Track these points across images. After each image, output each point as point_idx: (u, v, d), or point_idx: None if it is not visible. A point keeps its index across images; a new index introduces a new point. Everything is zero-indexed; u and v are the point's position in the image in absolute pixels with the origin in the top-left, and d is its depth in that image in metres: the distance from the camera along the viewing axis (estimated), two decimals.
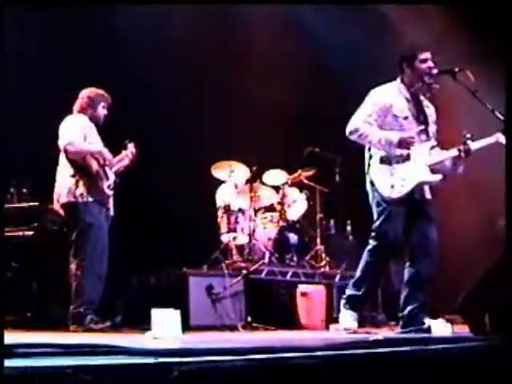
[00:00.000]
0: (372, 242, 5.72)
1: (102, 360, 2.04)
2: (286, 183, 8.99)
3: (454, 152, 5.64)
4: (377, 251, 5.69)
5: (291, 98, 9.67)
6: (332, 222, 9.55)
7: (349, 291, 5.85)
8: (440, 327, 5.35)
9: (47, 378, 1.80)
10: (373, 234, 5.73)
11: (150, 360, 2.04)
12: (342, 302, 5.86)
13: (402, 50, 5.97)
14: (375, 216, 5.74)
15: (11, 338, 2.22)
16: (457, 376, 3.22)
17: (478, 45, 9.15)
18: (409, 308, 5.67)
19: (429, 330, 5.34)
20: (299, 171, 9.03)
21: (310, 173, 9.08)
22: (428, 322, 5.50)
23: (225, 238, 8.48)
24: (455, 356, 3.40)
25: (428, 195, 5.78)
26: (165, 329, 4.15)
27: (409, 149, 5.57)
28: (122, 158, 6.71)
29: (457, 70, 5.49)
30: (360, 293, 5.74)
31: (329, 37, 9.69)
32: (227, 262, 8.12)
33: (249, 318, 7.38)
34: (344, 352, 2.99)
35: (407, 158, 5.59)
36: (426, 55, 5.71)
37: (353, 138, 5.71)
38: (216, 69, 9.34)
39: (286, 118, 9.64)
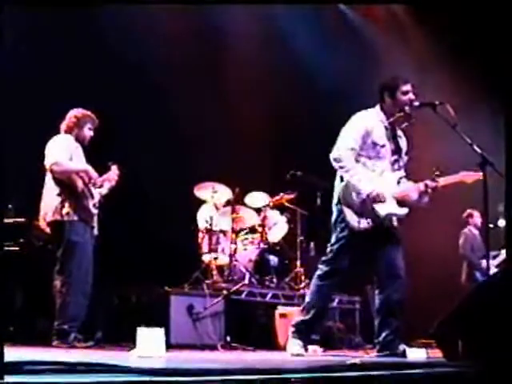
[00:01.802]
0: (323, 267, 5.83)
1: (98, 378, 2.15)
2: (268, 205, 9.15)
3: (421, 186, 5.75)
4: (326, 277, 5.80)
5: (275, 121, 9.85)
6: (312, 244, 9.69)
7: (299, 317, 5.93)
8: (415, 352, 5.49)
9: None
10: (324, 258, 5.85)
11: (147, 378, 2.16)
12: (291, 329, 5.93)
13: (384, 79, 6.07)
14: (333, 239, 5.83)
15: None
16: None
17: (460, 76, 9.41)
18: (383, 334, 5.77)
19: (404, 354, 5.47)
20: (281, 194, 9.20)
21: (292, 196, 9.25)
22: (403, 346, 5.63)
23: (206, 258, 8.60)
24: (429, 381, 3.53)
25: (395, 223, 5.87)
26: (149, 347, 4.26)
27: (375, 202, 5.64)
28: (108, 177, 6.82)
29: (437, 103, 5.61)
30: (308, 318, 5.82)
31: (315, 61, 9.85)
32: (208, 281, 8.23)
33: (228, 338, 7.48)
34: (324, 374, 3.11)
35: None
36: (408, 87, 5.83)
37: (335, 165, 5.76)
38: (201, 89, 9.46)
39: (269, 141, 9.81)
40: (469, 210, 10.03)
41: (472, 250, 9.88)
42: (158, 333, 4.33)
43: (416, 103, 5.78)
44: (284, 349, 7.93)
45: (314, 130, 9.99)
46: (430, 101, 5.70)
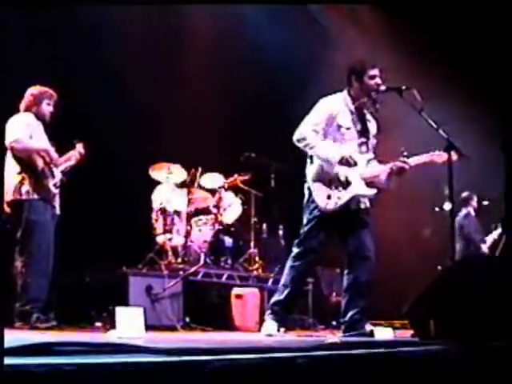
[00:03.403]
0: (295, 249, 5.92)
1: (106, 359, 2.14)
2: (223, 187, 9.14)
3: (389, 167, 5.84)
4: (299, 257, 5.88)
5: (230, 102, 9.83)
6: (265, 225, 9.74)
7: (274, 298, 6.03)
8: (382, 332, 5.59)
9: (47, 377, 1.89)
10: (297, 240, 5.94)
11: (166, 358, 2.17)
12: (267, 310, 6.04)
13: (352, 63, 6.11)
14: (304, 220, 5.92)
15: None
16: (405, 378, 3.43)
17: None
18: (350, 313, 5.86)
19: (372, 334, 5.56)
20: (235, 175, 9.21)
21: (246, 177, 9.28)
22: (369, 326, 5.73)
23: (160, 238, 8.56)
24: (413, 359, 3.61)
25: (364, 205, 5.96)
26: (129, 327, 4.24)
27: (349, 166, 5.74)
28: (69, 157, 6.75)
29: (404, 87, 5.69)
30: (282, 298, 5.90)
31: (271, 44, 9.85)
32: (162, 262, 8.20)
33: (187, 319, 7.50)
34: (305, 354, 3.15)
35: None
36: (375, 71, 5.92)
37: (299, 145, 5.84)
38: (160, 72, 9.40)
39: (224, 123, 9.78)
40: (467, 192, 10.17)
41: (475, 231, 10.07)
42: (137, 313, 4.31)
43: (383, 87, 5.85)
44: (239, 329, 8.04)
45: (268, 111, 10.02)
46: (398, 85, 5.78)
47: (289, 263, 5.93)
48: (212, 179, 9.23)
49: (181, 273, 7.94)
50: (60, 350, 2.04)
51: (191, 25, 9.79)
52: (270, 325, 5.87)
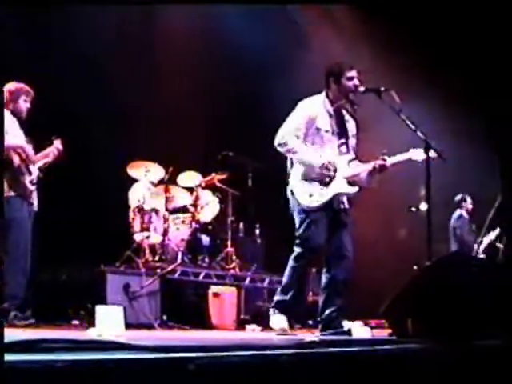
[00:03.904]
0: (296, 249, 5.91)
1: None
2: (200, 185, 9.16)
3: (370, 166, 5.91)
4: (301, 257, 5.88)
5: (209, 102, 9.85)
6: (241, 224, 9.77)
7: (277, 297, 6.01)
8: (360, 330, 5.63)
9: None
10: (297, 241, 5.93)
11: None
12: (271, 309, 6.01)
13: (330, 65, 6.13)
14: (297, 224, 5.94)
15: None
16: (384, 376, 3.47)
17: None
18: (327, 312, 5.91)
19: (349, 332, 5.60)
20: (213, 174, 9.24)
21: (223, 176, 9.30)
22: (347, 325, 5.77)
23: (138, 236, 8.56)
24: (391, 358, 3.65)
25: (345, 205, 6.02)
26: (109, 325, 4.24)
27: (329, 172, 5.81)
28: (46, 153, 6.72)
29: (383, 89, 5.72)
30: (287, 298, 5.89)
31: (250, 44, 9.87)
32: (140, 260, 8.19)
33: (164, 317, 7.50)
34: (287, 351, 3.18)
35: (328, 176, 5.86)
36: (353, 73, 5.94)
37: (281, 150, 5.89)
38: (137, 70, 9.38)
39: (202, 122, 9.80)
40: (461, 194, 10.22)
41: (468, 233, 10.12)
42: (117, 311, 4.31)
43: (361, 88, 5.87)
44: (216, 328, 8.06)
45: (246, 111, 10.05)
46: (376, 87, 5.81)
47: (291, 264, 5.92)
48: (189, 178, 9.24)
49: (158, 271, 7.95)
50: (46, 346, 2.05)
51: (171, 24, 9.78)
52: (280, 319, 5.86)
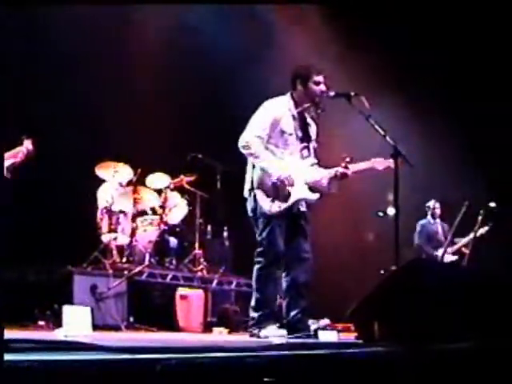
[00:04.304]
0: (259, 259, 5.89)
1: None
2: (169, 187, 9.14)
3: (332, 173, 5.94)
4: (266, 266, 5.87)
5: (178, 104, 9.82)
6: (209, 227, 9.76)
7: (254, 313, 5.91)
8: (326, 334, 5.66)
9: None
10: (259, 249, 5.90)
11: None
12: (254, 330, 5.84)
13: (298, 67, 6.15)
14: (259, 229, 5.91)
15: None
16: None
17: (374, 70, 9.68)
18: (292, 313, 5.93)
19: (316, 335, 5.63)
20: (181, 176, 9.23)
21: (192, 178, 9.30)
22: (314, 327, 5.80)
23: (105, 237, 8.52)
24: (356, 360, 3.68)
25: (303, 208, 6.03)
26: (76, 326, 4.23)
27: (284, 186, 5.81)
28: (15, 153, 6.66)
29: (352, 94, 5.75)
30: (267, 311, 5.86)
31: (219, 45, 9.86)
32: (107, 261, 8.16)
33: (131, 319, 7.48)
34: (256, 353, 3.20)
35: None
36: (320, 78, 5.96)
37: (244, 152, 5.88)
38: (107, 71, 9.33)
39: (172, 123, 9.77)
40: (431, 201, 10.20)
41: (428, 241, 10.11)
42: (85, 311, 4.30)
43: (331, 93, 5.90)
44: (183, 330, 8.04)
45: (215, 113, 10.05)
46: (346, 91, 5.84)
47: (258, 273, 5.90)
48: (158, 179, 9.22)
49: (125, 272, 7.92)
50: (13, 346, 2.04)
51: (141, 25, 9.74)
52: (272, 328, 5.75)
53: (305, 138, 6.07)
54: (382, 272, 8.43)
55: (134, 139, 9.21)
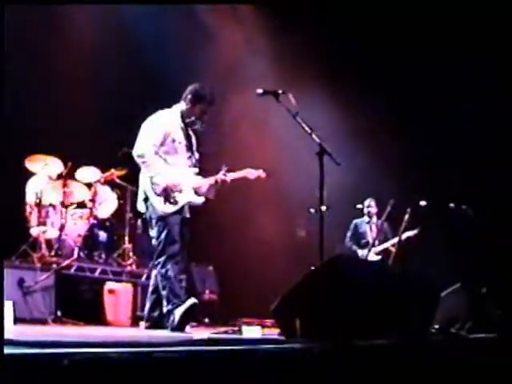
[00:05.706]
0: (159, 260, 6.21)
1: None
2: (99, 181, 9.11)
3: (212, 180, 6.47)
4: (164, 264, 6.16)
5: (109, 98, 9.77)
6: (139, 221, 9.75)
7: (181, 309, 6.02)
8: (250, 330, 5.76)
9: None
10: (158, 251, 6.24)
11: None
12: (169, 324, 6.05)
13: (198, 86, 6.49)
14: (155, 233, 6.28)
15: None
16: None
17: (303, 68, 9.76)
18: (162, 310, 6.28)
19: (240, 331, 5.72)
20: (112, 170, 9.20)
21: (123, 172, 9.27)
22: (239, 323, 5.91)
23: (34, 231, 8.45)
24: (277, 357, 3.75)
25: (188, 215, 6.41)
26: None
27: (172, 193, 6.22)
28: None
29: (280, 92, 5.86)
30: (171, 307, 6.06)
31: (152, 42, 9.84)
32: (36, 255, 8.10)
33: (58, 313, 7.46)
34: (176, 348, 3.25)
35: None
36: (208, 108, 6.46)
37: (137, 160, 6.32)
38: (37, 63, 9.24)
39: (103, 117, 9.73)
40: (367, 200, 10.18)
41: (357, 240, 10.15)
42: (7, 306, 4.29)
43: (259, 91, 5.98)
44: (111, 324, 8.05)
45: (148, 108, 10.00)
46: (274, 89, 5.92)
47: (161, 272, 6.15)
48: (88, 173, 9.18)
49: (54, 266, 7.89)
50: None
51: (68, 21, 9.65)
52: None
53: (191, 147, 6.51)
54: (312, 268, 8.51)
55: (65, 133, 9.11)
